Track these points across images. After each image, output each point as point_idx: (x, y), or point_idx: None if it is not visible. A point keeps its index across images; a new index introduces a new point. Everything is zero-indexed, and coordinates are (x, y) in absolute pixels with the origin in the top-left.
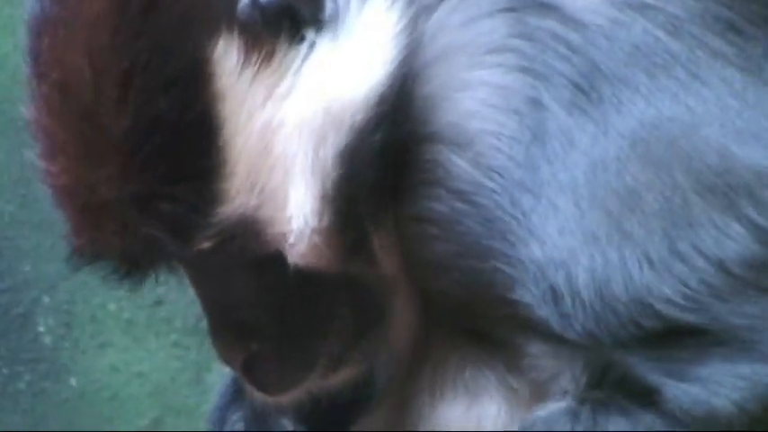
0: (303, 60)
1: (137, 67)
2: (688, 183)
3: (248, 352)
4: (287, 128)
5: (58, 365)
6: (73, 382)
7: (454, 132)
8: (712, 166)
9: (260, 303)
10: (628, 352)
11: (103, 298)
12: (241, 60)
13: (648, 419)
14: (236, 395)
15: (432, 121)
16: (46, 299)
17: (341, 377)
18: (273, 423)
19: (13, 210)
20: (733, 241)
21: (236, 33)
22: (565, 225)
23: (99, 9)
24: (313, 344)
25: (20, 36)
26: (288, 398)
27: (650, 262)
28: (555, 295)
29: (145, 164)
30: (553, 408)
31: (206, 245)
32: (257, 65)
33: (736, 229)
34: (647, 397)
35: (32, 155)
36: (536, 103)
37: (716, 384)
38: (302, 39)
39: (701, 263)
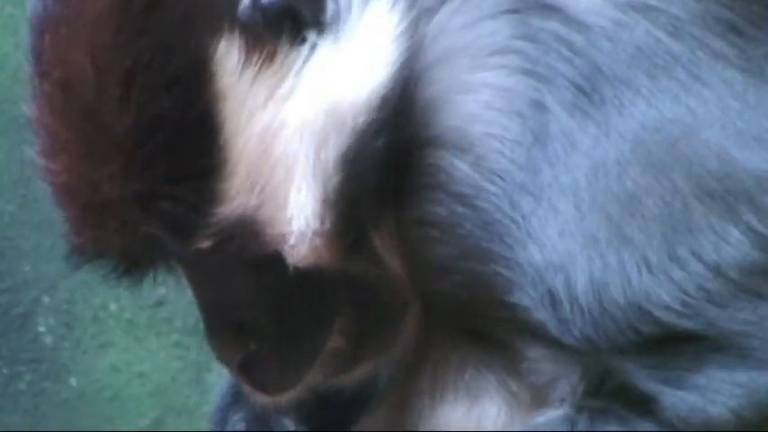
0: (304, 62)
1: (139, 65)
2: (688, 187)
3: (245, 352)
4: (288, 129)
5: (59, 365)
6: (73, 382)
7: (456, 136)
8: (712, 171)
9: (258, 303)
10: (625, 358)
11: (104, 298)
12: (242, 60)
13: (646, 427)
14: (237, 395)
15: (434, 124)
16: (46, 299)
17: (352, 376)
18: (275, 423)
19: (14, 210)
20: (732, 247)
21: (237, 33)
22: (564, 228)
23: (101, 8)
24: (310, 343)
25: (21, 36)
26: (285, 398)
27: (649, 267)
28: (553, 299)
29: (146, 162)
30: (551, 415)
31: (205, 244)
32: (258, 65)
33: (735, 234)
34: (644, 405)
35: (33, 153)
36: (538, 106)
37: (713, 392)
38: (303, 40)
39: (699, 268)
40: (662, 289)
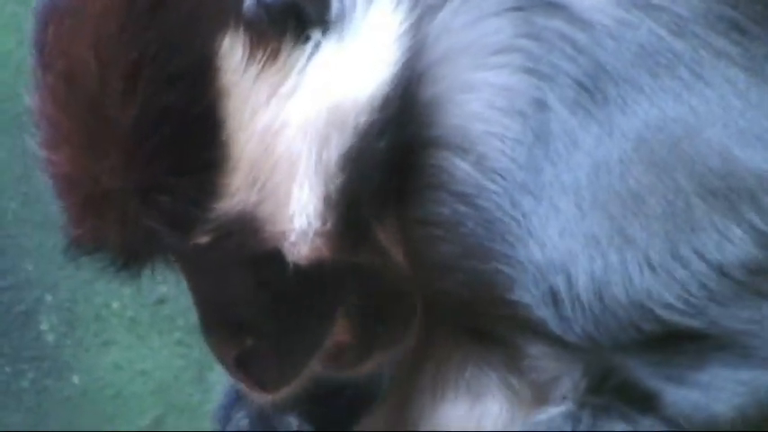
0: (308, 60)
1: (144, 59)
2: (691, 186)
3: (241, 348)
4: (290, 127)
5: (61, 364)
6: (75, 380)
7: (458, 135)
8: (715, 170)
9: (255, 299)
10: (627, 356)
11: (106, 296)
12: (246, 57)
13: (648, 424)
14: (240, 393)
15: (436, 123)
16: (48, 297)
17: (361, 370)
18: (278, 422)
19: (16, 208)
20: (734, 246)
21: (242, 30)
22: (566, 227)
23: (107, 0)
24: (307, 339)
25: (24, 33)
26: (281, 395)
27: (651, 266)
28: (554, 297)
29: (148, 155)
30: (553, 412)
31: (204, 239)
32: (262, 63)
33: (738, 233)
34: (646, 402)
35: (34, 145)
36: (541, 105)
37: (716, 390)
38: (308, 38)
39: (702, 267)
40: (664, 288)
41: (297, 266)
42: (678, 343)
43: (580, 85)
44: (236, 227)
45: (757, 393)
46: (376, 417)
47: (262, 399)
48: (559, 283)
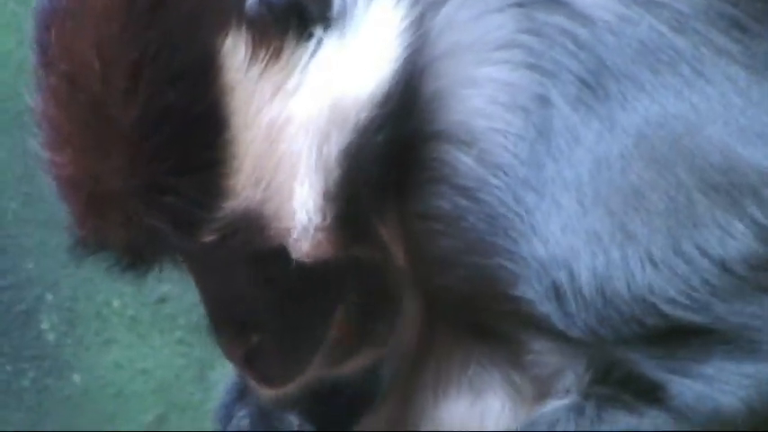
0: (310, 58)
1: (146, 58)
2: (692, 181)
3: (249, 345)
4: (293, 125)
5: (62, 363)
6: (76, 379)
7: (460, 130)
8: (716, 165)
9: (261, 296)
10: (631, 349)
11: (107, 295)
12: (249, 56)
13: (653, 415)
14: (242, 392)
15: (438, 118)
16: (49, 296)
17: (356, 363)
18: (279, 421)
19: (17, 207)
20: (736, 241)
21: (244, 29)
22: (567, 223)
23: (107, 1)
24: (314, 335)
25: (24, 32)
26: (288, 390)
27: (653, 261)
28: (557, 293)
29: (151, 156)
30: (557, 404)
31: (210, 238)
32: (265, 61)
33: (740, 228)
34: (651, 393)
35: (36, 145)
36: (543, 100)
37: (721, 382)
38: (310, 36)
39: (704, 263)
40: (666, 283)
41: (300, 263)
42: (682, 337)
43: (582, 81)
44: (242, 225)
45: (762, 386)
46: (378, 413)
47: (269, 395)
48: (562, 278)
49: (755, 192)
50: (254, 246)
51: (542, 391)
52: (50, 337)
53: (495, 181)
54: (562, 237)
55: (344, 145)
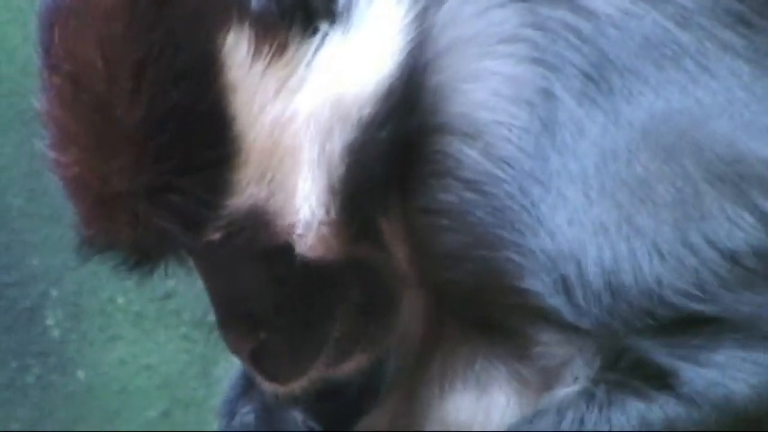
0: (315, 53)
1: (149, 57)
2: (698, 172)
3: (256, 342)
4: (297, 121)
5: (66, 359)
6: (81, 375)
7: (464, 123)
8: (722, 156)
9: (267, 293)
10: (642, 337)
11: (112, 291)
12: (252, 52)
13: (663, 400)
14: (246, 388)
15: (441, 111)
16: (54, 292)
17: (352, 365)
18: (283, 416)
19: (21, 203)
20: (744, 232)
21: (247, 25)
22: (574, 216)
23: (111, 0)
24: (320, 331)
25: (30, 28)
26: (295, 386)
27: (660, 254)
28: (566, 285)
29: (157, 155)
30: (567, 390)
31: (216, 236)
32: (269, 57)
33: (748, 219)
34: (662, 379)
35: (42, 146)
36: (547, 94)
37: (732, 369)
38: (315, 31)
39: (712, 254)
40: (675, 275)
41: (305, 259)
42: (692, 326)
43: (585, 75)
44: (248, 222)
45: None
46: (383, 408)
47: (276, 391)
48: (570, 271)
49: (763, 183)
50: (259, 243)
51: (550, 382)
52: (55, 333)
53: (501, 174)
54: (569, 229)
55: (348, 140)
